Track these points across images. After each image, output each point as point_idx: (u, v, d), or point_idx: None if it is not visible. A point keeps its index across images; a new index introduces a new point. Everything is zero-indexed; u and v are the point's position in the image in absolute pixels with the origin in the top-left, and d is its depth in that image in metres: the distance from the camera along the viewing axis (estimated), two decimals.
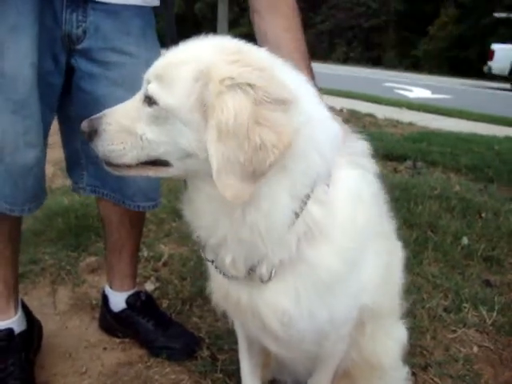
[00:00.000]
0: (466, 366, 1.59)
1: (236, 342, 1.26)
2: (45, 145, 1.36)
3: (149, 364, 1.56)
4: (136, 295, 1.68)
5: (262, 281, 0.90)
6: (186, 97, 0.79)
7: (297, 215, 0.83)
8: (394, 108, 8.01)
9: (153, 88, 0.82)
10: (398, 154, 4.24)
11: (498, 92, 12.52)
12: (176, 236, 2.41)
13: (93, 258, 2.16)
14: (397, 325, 1.23)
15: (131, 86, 1.26)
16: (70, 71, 1.36)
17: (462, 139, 5.28)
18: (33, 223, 2.43)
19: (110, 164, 0.89)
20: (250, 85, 0.74)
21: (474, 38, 23.18)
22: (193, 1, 33.06)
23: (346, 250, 0.89)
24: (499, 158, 4.35)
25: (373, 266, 0.99)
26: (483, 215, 2.76)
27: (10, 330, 1.43)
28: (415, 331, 1.69)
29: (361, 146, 0.98)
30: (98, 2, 1.29)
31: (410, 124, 6.48)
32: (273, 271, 0.89)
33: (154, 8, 1.43)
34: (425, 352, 1.65)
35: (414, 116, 7.22)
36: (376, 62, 27.45)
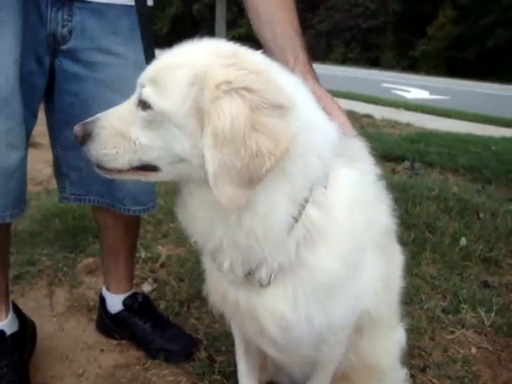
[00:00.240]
0: (464, 367, 1.58)
1: (234, 344, 1.25)
2: (27, 149, 1.30)
3: (146, 366, 1.55)
4: (133, 297, 1.67)
5: (261, 285, 0.89)
6: (181, 102, 0.78)
7: (295, 219, 0.82)
8: (392, 109, 8.04)
9: (147, 92, 0.81)
10: (395, 154, 4.24)
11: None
12: (174, 237, 2.40)
13: (90, 259, 2.15)
14: (395, 327, 1.23)
15: (120, 87, 1.24)
16: (54, 73, 1.31)
17: (460, 140, 5.30)
18: (30, 224, 2.42)
19: (101, 168, 0.88)
20: (246, 89, 0.73)
21: (472, 39, 23.27)
22: (191, 1, 33.08)
23: (345, 252, 0.88)
24: (496, 158, 4.37)
25: (373, 269, 0.98)
26: (481, 216, 2.77)
27: (0, 332, 1.42)
28: (413, 332, 1.69)
29: (359, 147, 0.98)
30: (83, 1, 1.26)
31: (408, 125, 6.50)
32: (272, 276, 0.88)
33: (150, 8, 1.40)
34: (423, 353, 1.64)
35: (412, 117, 7.24)
36: (374, 62, 27.52)
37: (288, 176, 0.79)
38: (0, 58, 1.15)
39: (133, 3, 1.30)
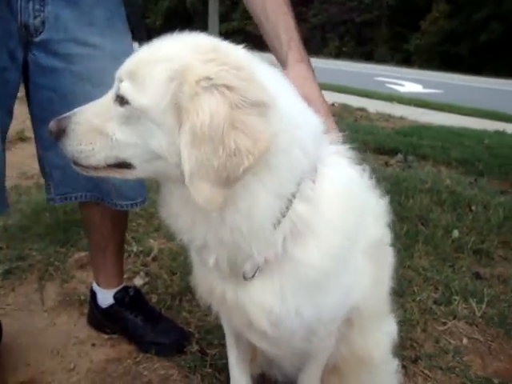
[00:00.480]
0: (455, 358, 1.60)
1: (225, 337, 1.24)
2: (3, 150, 1.26)
3: (138, 360, 1.54)
4: (124, 290, 1.65)
5: (245, 278, 0.88)
6: (160, 97, 0.75)
7: (283, 214, 0.81)
8: (386, 102, 8.05)
9: (125, 87, 0.78)
10: (389, 147, 4.24)
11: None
12: (165, 231, 2.38)
13: (82, 254, 2.13)
14: (387, 318, 1.22)
15: (99, 80, 1.19)
16: (28, 67, 1.25)
17: (453, 133, 5.32)
18: (20, 219, 2.40)
19: (77, 164, 0.86)
20: (226, 86, 0.71)
21: (466, 33, 23.31)
22: None
23: (334, 247, 0.87)
24: (489, 151, 4.39)
25: (363, 264, 0.98)
26: (473, 208, 2.78)
27: None
28: (405, 324, 1.70)
29: (343, 140, 0.96)
30: None
31: (401, 118, 6.51)
32: (257, 269, 0.87)
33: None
34: (415, 344, 1.65)
35: (405, 110, 7.25)
36: (368, 56, 27.51)
37: (273, 171, 0.78)
38: None
39: None
